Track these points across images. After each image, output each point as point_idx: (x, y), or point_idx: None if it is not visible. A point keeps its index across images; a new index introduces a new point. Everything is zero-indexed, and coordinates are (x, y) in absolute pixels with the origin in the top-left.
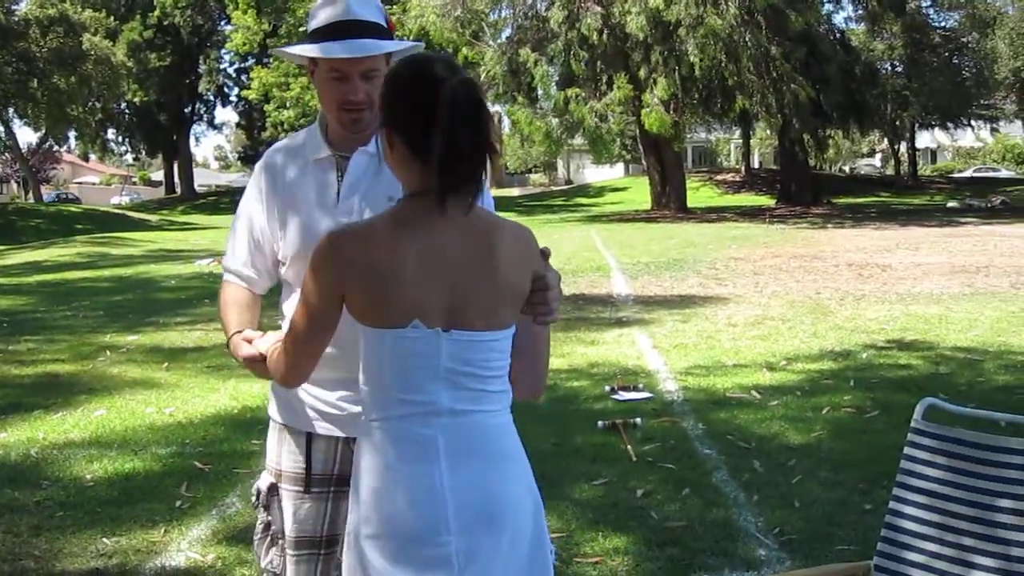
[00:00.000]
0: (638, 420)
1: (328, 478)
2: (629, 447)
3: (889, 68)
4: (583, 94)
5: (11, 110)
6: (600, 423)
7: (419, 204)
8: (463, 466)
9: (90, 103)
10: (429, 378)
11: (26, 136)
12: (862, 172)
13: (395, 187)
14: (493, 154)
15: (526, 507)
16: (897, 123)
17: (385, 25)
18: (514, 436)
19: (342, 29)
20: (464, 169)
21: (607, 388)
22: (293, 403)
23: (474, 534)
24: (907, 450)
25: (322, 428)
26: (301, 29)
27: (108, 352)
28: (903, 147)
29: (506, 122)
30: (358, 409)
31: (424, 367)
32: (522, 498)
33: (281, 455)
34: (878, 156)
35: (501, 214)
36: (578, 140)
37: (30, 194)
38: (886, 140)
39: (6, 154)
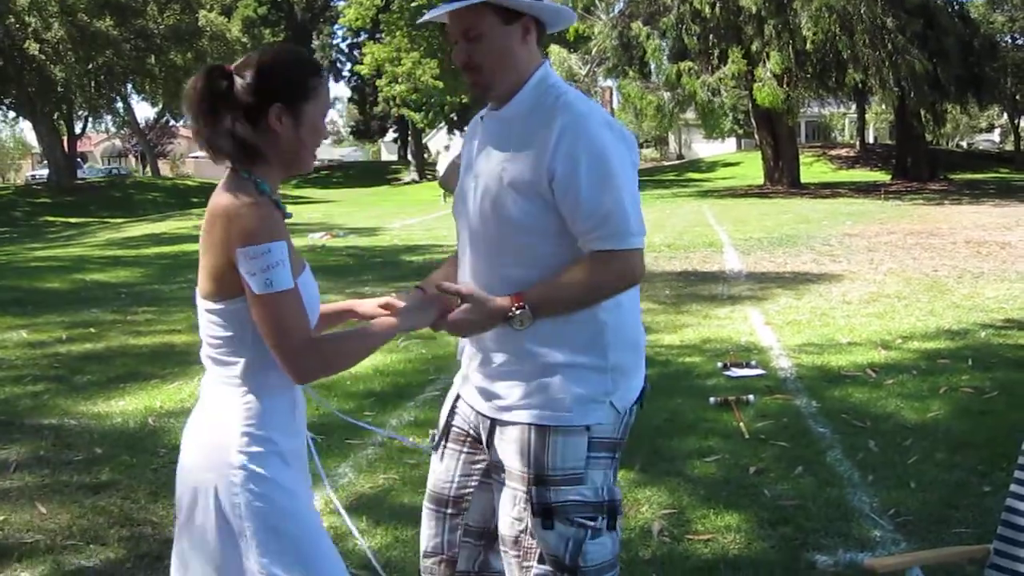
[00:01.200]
0: (751, 397)
1: (464, 436)
2: (742, 424)
3: (1009, 41)
4: (695, 68)
5: (129, 86)
6: (712, 399)
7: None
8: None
9: None
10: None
11: (144, 111)
12: (980, 147)
13: (506, 156)
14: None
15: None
16: (1017, 97)
17: None
18: (221, 408)
19: None
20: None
21: (720, 364)
22: (461, 360)
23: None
24: None
25: (463, 391)
26: (414, 4)
27: None
28: (1023, 122)
29: (616, 96)
30: (484, 383)
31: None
32: (195, 459)
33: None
34: (997, 131)
35: None
36: (690, 114)
37: (147, 168)
38: (1005, 115)
39: (125, 129)
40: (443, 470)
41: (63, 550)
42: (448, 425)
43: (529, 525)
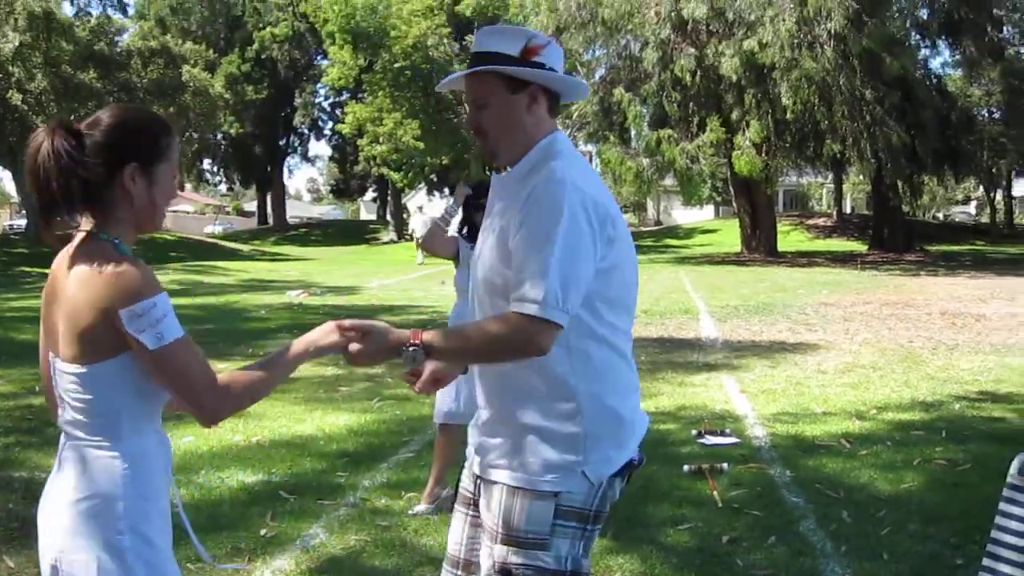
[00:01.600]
0: (725, 465)
1: (469, 499)
2: (715, 492)
3: (986, 115)
4: (675, 135)
5: None
6: (687, 467)
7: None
8: (52, 477)
9: (187, 133)
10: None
11: None
12: (956, 219)
13: (504, 217)
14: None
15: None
16: (993, 170)
17: (516, 53)
18: (94, 474)
19: (471, 60)
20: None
21: (694, 432)
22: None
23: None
24: (1002, 506)
25: (468, 454)
26: (396, 65)
27: None
28: (999, 195)
29: (596, 161)
30: (475, 442)
31: (53, 388)
32: (56, 527)
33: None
34: (973, 203)
35: None
36: (668, 181)
37: None
38: (982, 187)
39: None
40: (454, 531)
41: None
42: (458, 486)
43: None
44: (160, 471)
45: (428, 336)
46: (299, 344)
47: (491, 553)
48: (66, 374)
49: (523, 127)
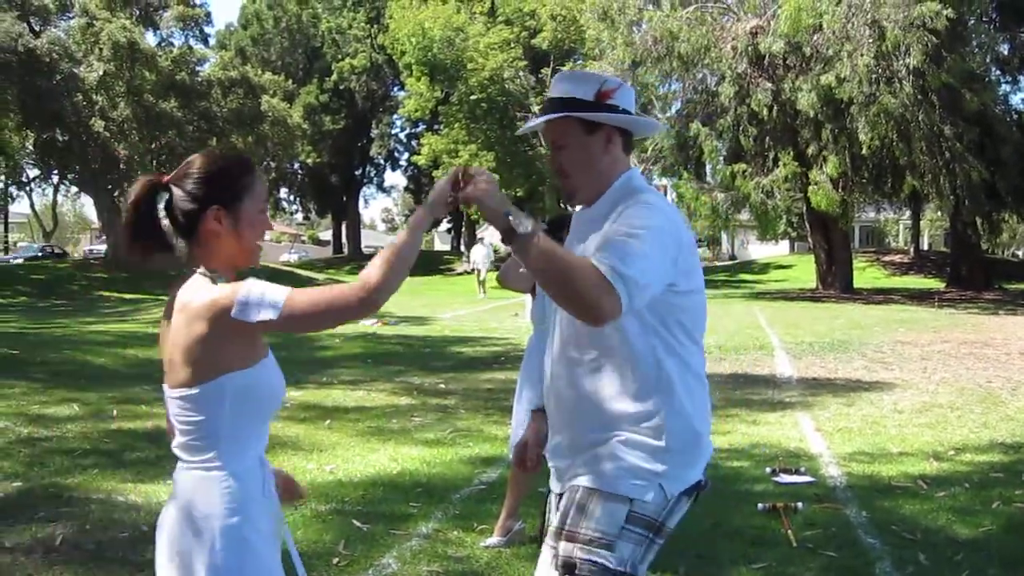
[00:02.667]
0: (799, 504)
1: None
2: (790, 532)
3: None
4: (750, 169)
5: None
6: (760, 505)
7: None
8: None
9: (265, 162)
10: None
11: None
12: None
13: (586, 249)
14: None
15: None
16: None
17: (591, 98)
18: (200, 493)
19: (545, 107)
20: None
21: (768, 470)
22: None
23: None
24: None
25: (553, 486)
26: (473, 97)
27: None
28: None
29: (671, 195)
30: (562, 463)
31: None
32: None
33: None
34: None
35: None
36: (743, 215)
37: None
38: None
39: None
40: (542, 565)
41: None
42: (545, 521)
43: None
44: (258, 492)
45: (535, 227)
46: (416, 214)
47: (554, 553)
48: (173, 399)
49: (600, 166)
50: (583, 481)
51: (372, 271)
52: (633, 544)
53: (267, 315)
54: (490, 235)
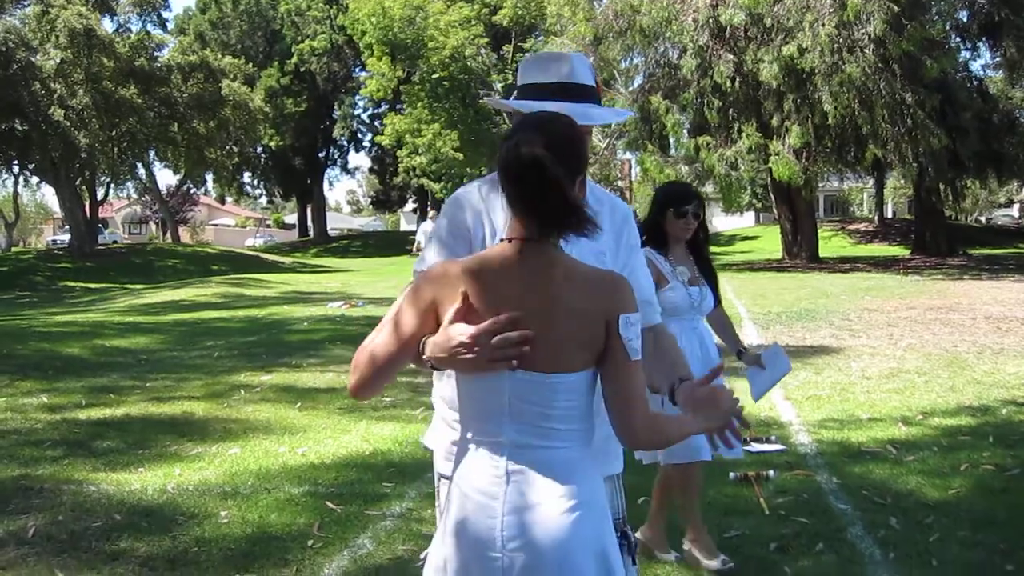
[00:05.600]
0: (771, 472)
1: None
2: (762, 500)
3: None
4: (714, 142)
5: (152, 153)
6: (732, 475)
7: (509, 249)
8: (522, 491)
9: (228, 147)
10: (496, 411)
11: (166, 178)
12: (999, 222)
13: (601, 242)
14: (559, 208)
15: (576, 548)
16: None
17: (594, 87)
18: (583, 474)
19: (564, 90)
20: (529, 220)
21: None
22: None
23: (523, 552)
24: None
25: None
26: (435, 76)
27: (242, 391)
28: None
29: (636, 169)
30: None
31: (492, 401)
32: (573, 537)
33: None
34: (1016, 206)
35: None
36: (708, 188)
37: (168, 235)
38: None
39: (146, 196)
40: None
41: None
42: None
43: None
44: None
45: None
46: (693, 424)
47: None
48: (552, 384)
49: None
50: (615, 468)
51: (654, 423)
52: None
53: (628, 351)
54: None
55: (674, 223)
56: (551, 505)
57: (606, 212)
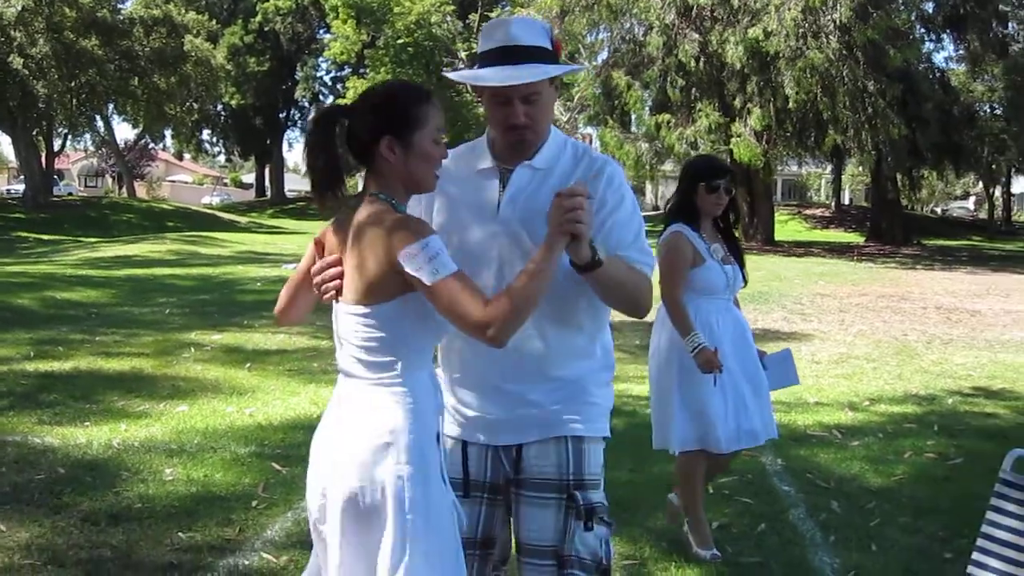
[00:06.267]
0: None
1: (482, 484)
2: None
3: (988, 110)
4: (674, 120)
5: (111, 106)
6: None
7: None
8: (332, 412)
9: (188, 103)
10: (336, 340)
11: (124, 132)
12: (955, 214)
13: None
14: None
15: (348, 473)
16: (993, 167)
17: (550, 47)
18: (379, 408)
19: (504, 54)
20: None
21: None
22: (448, 412)
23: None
24: (994, 501)
25: (472, 436)
26: (400, 41)
27: (192, 349)
28: (998, 191)
29: (596, 144)
30: (504, 415)
31: (334, 331)
32: (348, 462)
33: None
34: (972, 199)
35: None
36: (668, 166)
37: (124, 189)
38: (981, 183)
39: (104, 149)
40: (467, 516)
41: (20, 569)
42: (465, 474)
43: (570, 532)
44: (433, 407)
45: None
46: (544, 246)
47: (559, 505)
48: (351, 315)
49: (551, 117)
50: (570, 431)
51: (499, 305)
52: (604, 477)
53: (423, 276)
54: None
55: (706, 198)
56: (345, 430)
57: (580, 169)
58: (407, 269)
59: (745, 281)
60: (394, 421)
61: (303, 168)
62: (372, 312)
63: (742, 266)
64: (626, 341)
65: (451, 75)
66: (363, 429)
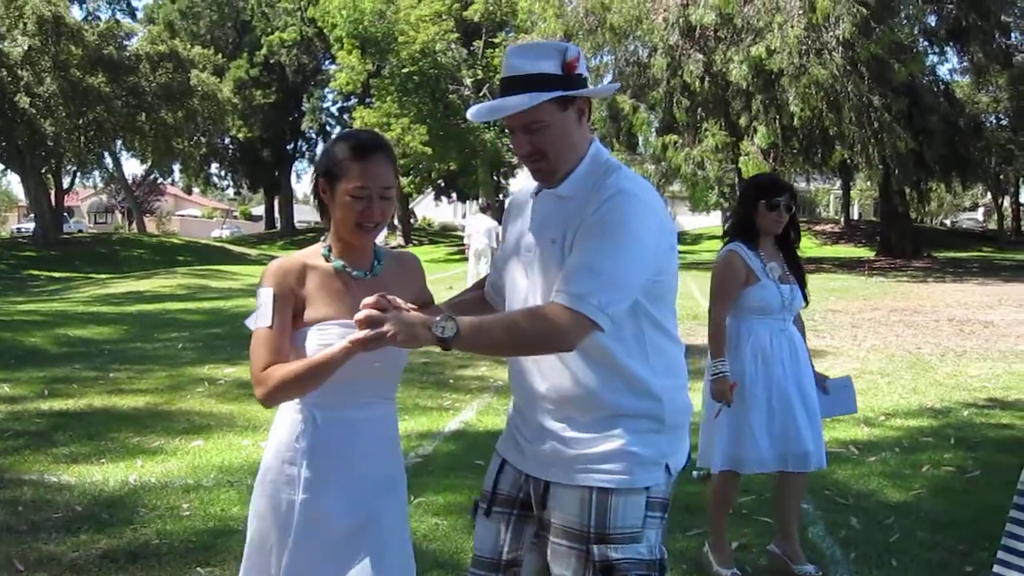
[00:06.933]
0: None
1: (513, 499)
2: None
3: (994, 121)
4: (681, 141)
5: (119, 142)
6: (695, 472)
7: None
8: None
9: (195, 137)
10: None
11: (132, 168)
12: (964, 226)
13: (558, 229)
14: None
15: None
16: (1001, 177)
17: (558, 71)
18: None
19: (504, 85)
20: None
21: None
22: (508, 424)
23: None
24: (1013, 513)
25: (508, 454)
26: (405, 70)
27: (205, 384)
28: (1007, 201)
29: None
30: (532, 445)
31: None
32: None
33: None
34: (981, 210)
35: None
36: (675, 187)
37: (134, 224)
38: (989, 194)
39: (112, 185)
40: (492, 535)
41: None
42: (495, 490)
43: None
44: (288, 438)
45: (460, 320)
46: (331, 349)
47: (576, 555)
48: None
49: (576, 141)
50: (594, 481)
51: (272, 375)
52: (655, 529)
53: (249, 319)
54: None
55: (766, 215)
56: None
57: (592, 196)
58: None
59: (806, 301)
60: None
61: (312, 199)
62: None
63: (803, 285)
64: None
65: (468, 112)
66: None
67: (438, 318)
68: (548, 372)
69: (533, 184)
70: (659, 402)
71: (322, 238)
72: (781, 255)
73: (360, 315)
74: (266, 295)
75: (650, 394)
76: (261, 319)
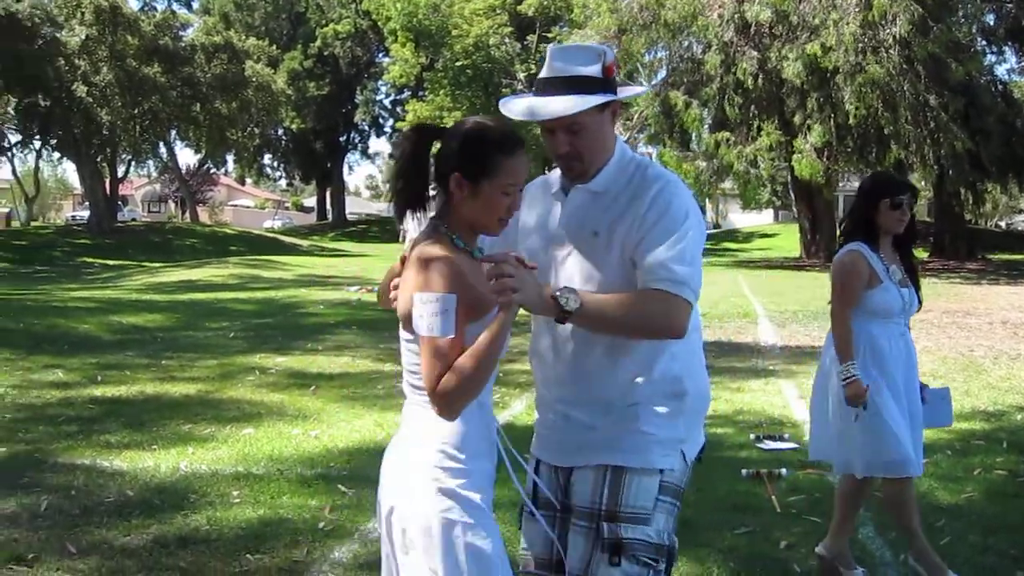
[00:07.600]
0: (783, 470)
1: (551, 503)
2: (773, 497)
3: None
4: (734, 138)
5: (174, 132)
6: (744, 471)
7: None
8: (397, 432)
9: (249, 128)
10: None
11: (186, 158)
12: (1020, 228)
13: (600, 223)
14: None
15: (394, 487)
16: None
17: (599, 74)
18: (419, 429)
19: (544, 85)
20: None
21: (752, 436)
22: (535, 424)
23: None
24: None
25: (542, 454)
26: (458, 63)
27: (256, 373)
28: None
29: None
30: (559, 436)
31: None
32: (392, 476)
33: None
34: None
35: None
36: (727, 184)
37: (187, 214)
38: None
39: (166, 174)
40: (541, 535)
41: None
42: (536, 491)
43: (593, 564)
44: (476, 434)
45: (582, 294)
46: (488, 330)
47: (588, 533)
48: (403, 339)
49: (608, 140)
50: (610, 459)
51: (447, 381)
52: (666, 514)
53: (419, 325)
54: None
55: (888, 215)
56: (396, 449)
57: (631, 189)
58: (412, 310)
59: (920, 304)
60: (431, 441)
61: (364, 191)
62: (413, 339)
63: (918, 288)
64: None
65: (501, 105)
66: (403, 448)
67: (562, 287)
68: (570, 358)
69: (547, 176)
70: (681, 386)
71: (433, 228)
72: (898, 256)
73: (492, 268)
74: (450, 302)
75: (671, 379)
76: (446, 327)
